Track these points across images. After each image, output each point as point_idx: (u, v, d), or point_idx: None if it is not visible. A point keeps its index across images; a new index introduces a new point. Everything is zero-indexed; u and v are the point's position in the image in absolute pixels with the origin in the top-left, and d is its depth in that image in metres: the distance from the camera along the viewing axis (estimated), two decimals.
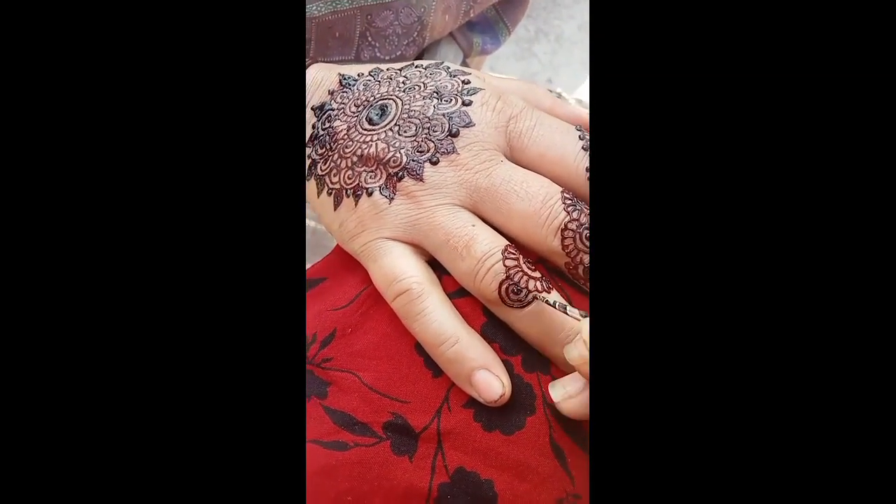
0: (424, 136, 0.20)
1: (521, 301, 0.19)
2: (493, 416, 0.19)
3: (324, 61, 0.37)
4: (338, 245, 0.23)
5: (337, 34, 0.35)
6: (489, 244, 0.19)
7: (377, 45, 0.37)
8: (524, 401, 0.19)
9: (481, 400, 0.18)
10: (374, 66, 0.25)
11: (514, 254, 0.19)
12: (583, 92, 1.09)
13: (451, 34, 0.41)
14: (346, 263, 0.22)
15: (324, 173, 0.21)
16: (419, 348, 0.20)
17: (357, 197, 0.20)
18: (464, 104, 0.21)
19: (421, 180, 0.20)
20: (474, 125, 0.20)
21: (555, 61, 1.12)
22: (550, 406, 0.19)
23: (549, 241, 0.19)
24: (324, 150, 0.22)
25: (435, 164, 0.20)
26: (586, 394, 0.18)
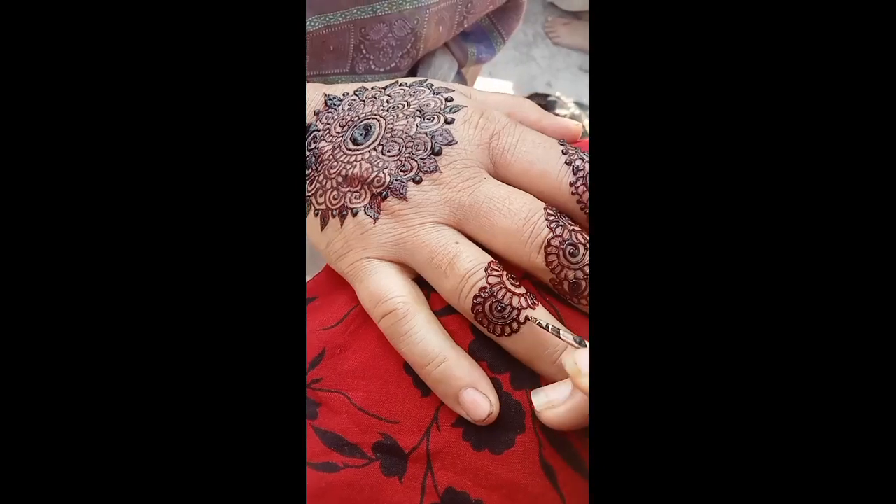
0: (408, 155, 0.20)
1: (504, 318, 0.18)
2: (483, 435, 0.18)
3: (319, 75, 0.37)
4: (327, 264, 0.23)
5: (332, 48, 0.35)
6: (472, 262, 0.19)
7: (371, 57, 0.37)
8: (513, 419, 0.18)
9: (469, 419, 0.18)
10: (359, 85, 0.24)
11: (498, 270, 0.18)
12: (581, 94, 1.08)
13: (445, 45, 0.40)
14: (335, 282, 0.22)
15: (310, 194, 0.21)
16: (408, 367, 0.19)
17: (342, 217, 0.20)
18: (446, 122, 0.21)
19: (405, 199, 0.20)
20: (457, 143, 0.20)
21: (553, 65, 1.11)
22: (541, 424, 0.19)
23: (533, 258, 0.19)
24: (310, 170, 0.22)
25: (418, 182, 0.20)
26: (570, 404, 0.17)
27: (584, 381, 0.16)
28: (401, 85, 0.23)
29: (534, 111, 0.23)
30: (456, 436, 0.18)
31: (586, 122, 0.96)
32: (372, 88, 0.23)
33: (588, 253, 0.19)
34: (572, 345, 0.17)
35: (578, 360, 0.16)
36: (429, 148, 0.20)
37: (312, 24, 0.34)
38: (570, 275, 0.19)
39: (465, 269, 0.18)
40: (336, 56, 0.36)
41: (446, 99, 0.22)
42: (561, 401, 0.17)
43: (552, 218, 0.19)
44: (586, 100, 1.03)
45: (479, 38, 0.44)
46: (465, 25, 0.39)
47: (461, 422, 0.18)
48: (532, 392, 0.18)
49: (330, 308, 0.21)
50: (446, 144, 0.20)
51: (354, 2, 0.34)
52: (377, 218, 0.20)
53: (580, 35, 1.15)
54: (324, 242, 0.21)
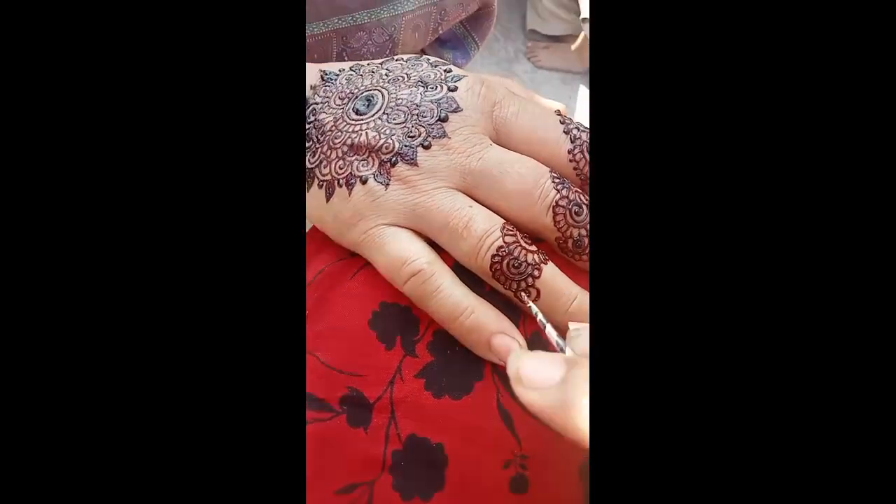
0: (414, 122, 0.20)
1: (521, 274, 0.19)
2: (443, 383, 0.19)
3: None
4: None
5: (315, 56, 0.36)
6: (488, 223, 0.19)
7: None
8: (473, 366, 0.19)
9: (501, 363, 0.19)
10: (353, 62, 0.25)
11: (512, 230, 0.19)
12: (562, 106, 1.11)
13: (422, 51, 0.42)
14: (305, 254, 0.22)
15: (313, 166, 0.21)
16: (372, 324, 0.20)
17: (350, 186, 0.20)
18: (450, 90, 0.21)
19: (416, 165, 0.20)
20: (462, 110, 0.21)
21: (535, 79, 1.13)
22: (498, 371, 0.19)
23: (542, 218, 0.20)
24: (310, 143, 0.22)
25: (427, 148, 0.20)
26: (548, 395, 0.14)
27: (524, 393, 0.14)
28: (397, 60, 0.23)
29: (522, 90, 0.24)
30: (418, 385, 0.19)
31: None
32: (368, 64, 0.24)
33: (590, 212, 0.20)
34: (554, 345, 0.17)
35: (521, 365, 0.14)
36: (435, 115, 0.20)
37: None
38: (575, 233, 0.20)
39: (483, 229, 0.19)
40: (320, 63, 0.37)
41: (445, 70, 0.22)
42: (539, 382, 0.14)
43: (557, 181, 0.20)
44: (568, 112, 1.05)
45: (455, 45, 0.45)
46: (440, 32, 0.41)
47: (423, 372, 0.19)
48: (514, 353, 0.16)
49: None
50: (452, 111, 0.21)
51: (335, 11, 0.36)
52: (388, 184, 0.20)
53: (559, 58, 1.18)
54: (330, 214, 0.21)
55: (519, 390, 0.14)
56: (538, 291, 0.19)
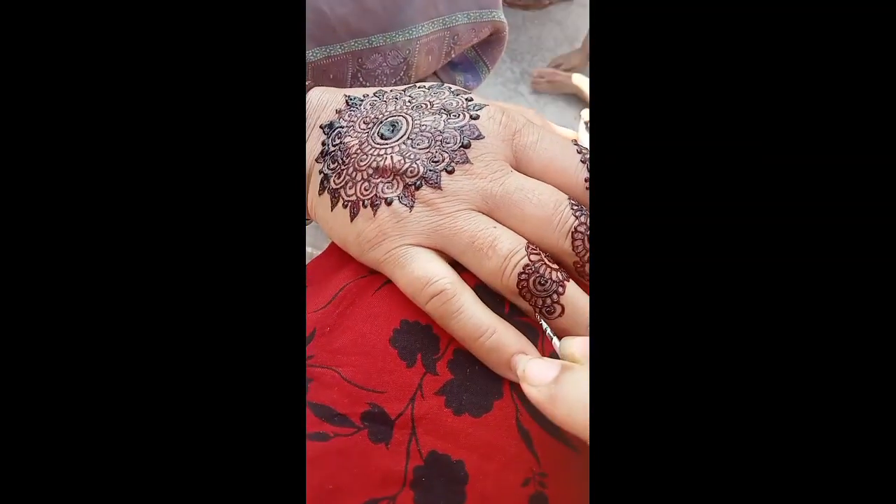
0: (438, 147, 0.21)
1: (546, 291, 0.20)
2: (463, 400, 0.19)
3: None
4: (321, 254, 0.24)
5: (331, 76, 0.37)
6: (513, 242, 0.20)
7: (368, 84, 0.39)
8: (492, 386, 0.19)
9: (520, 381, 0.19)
10: (377, 88, 0.26)
11: (536, 250, 0.20)
12: (569, 124, 1.13)
13: (435, 73, 0.43)
14: (323, 271, 0.23)
15: (338, 186, 0.22)
16: (393, 342, 0.20)
17: (375, 207, 0.21)
18: (472, 118, 0.22)
19: (439, 188, 0.21)
20: (484, 137, 0.22)
21: (540, 99, 1.16)
22: (517, 390, 0.20)
23: (561, 244, 0.20)
24: (336, 164, 0.22)
25: (451, 173, 0.21)
26: (547, 391, 0.17)
27: (527, 388, 0.17)
28: (419, 87, 0.24)
29: (538, 118, 0.25)
30: (439, 402, 0.19)
31: None
32: (391, 91, 0.25)
33: None
34: (550, 340, 0.19)
35: (527, 367, 0.17)
36: (458, 141, 0.21)
37: (314, 55, 0.37)
38: None
39: (508, 249, 0.20)
40: (335, 83, 0.38)
41: (467, 99, 0.23)
42: (538, 380, 0.17)
43: (576, 208, 0.20)
44: (573, 129, 1.07)
45: (466, 68, 0.46)
46: (453, 56, 0.42)
47: (444, 390, 0.19)
48: (519, 357, 0.19)
49: (319, 293, 0.22)
50: (475, 138, 0.21)
51: (352, 34, 0.37)
52: (412, 206, 0.21)
53: (560, 87, 1.19)
54: (353, 233, 0.21)
55: (524, 386, 0.17)
56: (562, 308, 0.20)
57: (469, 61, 0.46)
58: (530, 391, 0.17)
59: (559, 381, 0.16)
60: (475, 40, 0.42)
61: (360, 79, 0.39)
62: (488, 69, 0.47)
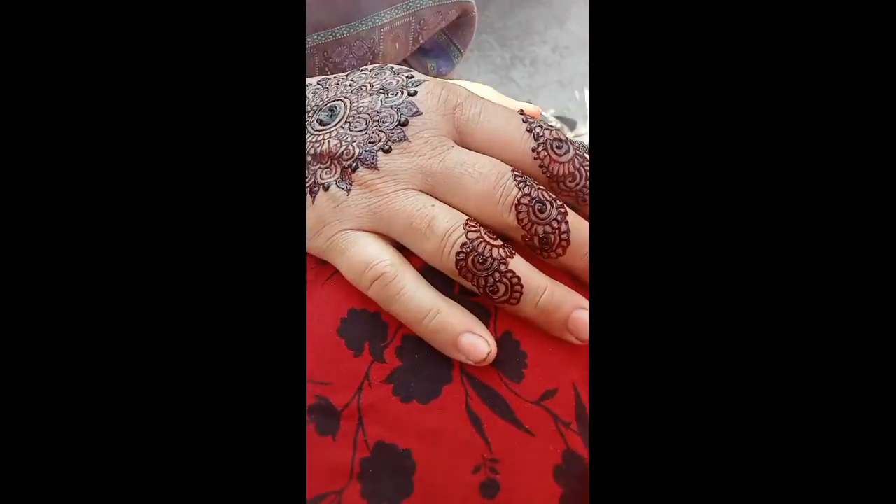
0: (375, 128, 0.21)
1: (487, 269, 0.19)
2: (412, 387, 0.18)
3: None
4: None
5: None
6: (451, 221, 0.19)
7: None
8: (442, 370, 0.19)
9: (470, 362, 0.18)
10: (321, 76, 0.25)
11: (475, 226, 0.19)
12: (562, 108, 1.10)
13: (405, 61, 0.42)
14: None
15: None
16: (341, 331, 0.20)
17: (314, 194, 0.21)
18: (410, 95, 0.21)
19: (376, 169, 0.20)
20: (422, 113, 0.21)
21: (532, 84, 1.13)
22: (467, 374, 0.19)
23: (505, 217, 0.19)
24: None
25: (388, 152, 0.20)
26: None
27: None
28: (362, 71, 0.24)
29: (493, 94, 0.24)
30: (386, 391, 0.18)
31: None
32: (334, 78, 0.24)
33: (554, 208, 0.19)
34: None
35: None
36: (395, 120, 0.21)
37: None
38: (540, 230, 0.19)
39: (445, 227, 0.19)
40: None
41: (408, 77, 0.22)
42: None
43: (519, 179, 0.19)
44: (567, 113, 1.05)
45: (438, 54, 0.45)
46: (421, 41, 0.41)
47: (392, 377, 0.19)
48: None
49: None
50: (412, 115, 0.21)
51: (313, 28, 0.36)
52: (350, 190, 0.20)
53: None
54: None
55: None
56: (506, 286, 0.19)
57: (440, 46, 0.45)
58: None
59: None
60: (443, 24, 0.40)
61: (328, 73, 0.38)
62: (460, 53, 0.45)
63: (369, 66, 0.24)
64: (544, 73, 1.10)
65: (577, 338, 0.19)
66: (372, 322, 0.20)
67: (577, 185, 0.20)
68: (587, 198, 0.20)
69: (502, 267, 0.19)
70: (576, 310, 0.19)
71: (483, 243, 0.19)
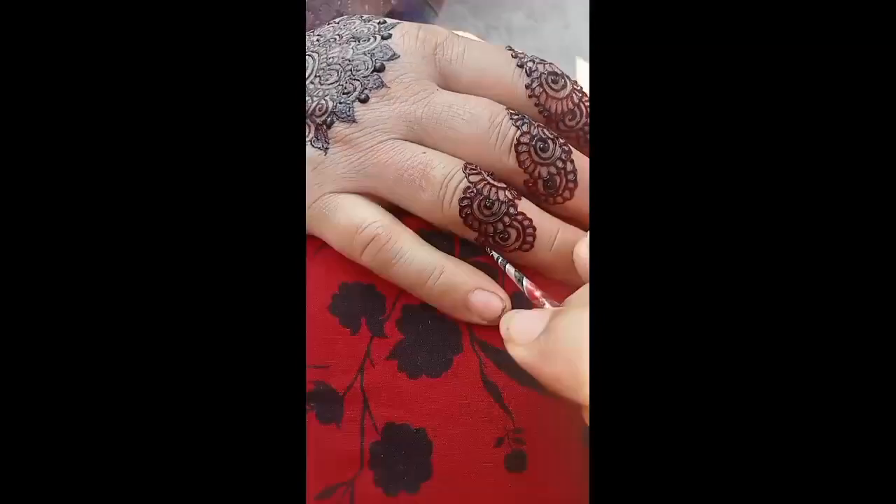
0: (348, 77, 0.18)
1: (496, 215, 0.17)
2: (419, 361, 0.17)
3: None
4: None
5: None
6: (447, 166, 0.17)
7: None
8: (450, 339, 0.17)
9: (484, 320, 0.17)
10: None
11: (476, 169, 0.17)
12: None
13: None
14: None
15: None
16: (333, 308, 0.18)
17: None
18: (383, 38, 0.19)
19: (353, 122, 0.18)
20: (399, 56, 0.18)
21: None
22: (478, 341, 0.17)
23: (504, 160, 0.17)
24: None
25: (365, 102, 0.18)
26: (533, 349, 0.14)
27: (514, 349, 0.14)
28: (329, 24, 0.22)
29: (474, 38, 0.22)
30: (391, 368, 0.17)
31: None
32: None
33: (557, 146, 0.17)
34: (512, 279, 0.17)
35: (511, 324, 0.15)
36: (370, 66, 0.18)
37: None
38: (544, 171, 0.17)
39: (442, 173, 0.17)
40: None
41: (379, 22, 0.20)
42: (523, 338, 0.14)
43: (516, 117, 0.17)
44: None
45: (412, 15, 0.43)
46: (393, 2, 0.38)
47: (395, 353, 0.17)
48: (506, 315, 0.16)
49: None
50: (388, 59, 0.18)
51: None
52: (327, 149, 0.18)
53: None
54: None
55: (509, 347, 0.14)
56: (517, 231, 0.17)
57: (414, 7, 0.42)
58: (516, 352, 0.14)
59: (550, 333, 0.13)
60: None
61: None
62: (436, 13, 0.43)
63: (336, 19, 0.22)
64: (520, 40, 1.07)
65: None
66: (367, 295, 0.18)
67: (577, 123, 0.18)
68: (588, 137, 0.18)
69: (511, 210, 0.17)
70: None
71: (488, 185, 0.17)
